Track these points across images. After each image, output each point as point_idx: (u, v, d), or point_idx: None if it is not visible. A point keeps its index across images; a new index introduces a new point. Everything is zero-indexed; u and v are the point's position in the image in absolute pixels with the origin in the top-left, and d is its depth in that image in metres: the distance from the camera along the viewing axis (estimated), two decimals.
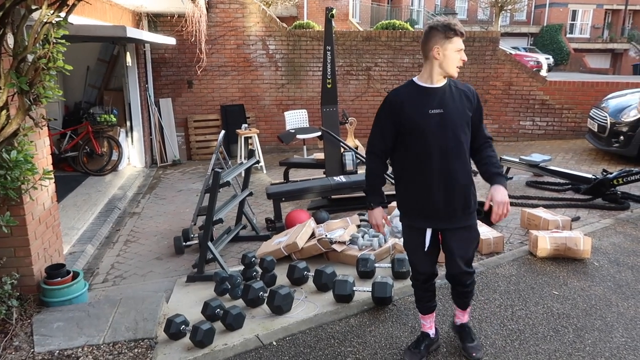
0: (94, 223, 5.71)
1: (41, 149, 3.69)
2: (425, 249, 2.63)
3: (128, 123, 8.30)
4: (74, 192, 6.85)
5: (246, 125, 8.40)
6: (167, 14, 8.39)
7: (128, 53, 6.88)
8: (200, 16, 7.89)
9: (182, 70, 9.09)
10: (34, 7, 2.58)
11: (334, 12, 5.61)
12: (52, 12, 2.54)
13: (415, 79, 2.56)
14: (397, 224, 4.51)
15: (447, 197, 2.51)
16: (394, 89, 2.58)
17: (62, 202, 6.33)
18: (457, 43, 2.43)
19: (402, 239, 4.28)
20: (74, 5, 2.86)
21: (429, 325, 2.87)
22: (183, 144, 9.31)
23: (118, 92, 8.46)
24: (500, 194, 2.47)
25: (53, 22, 2.59)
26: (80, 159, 7.67)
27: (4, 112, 2.72)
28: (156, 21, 8.61)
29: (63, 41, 2.75)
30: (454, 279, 2.73)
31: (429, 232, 2.60)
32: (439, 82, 2.50)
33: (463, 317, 2.92)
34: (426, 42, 2.47)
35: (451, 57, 2.43)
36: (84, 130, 7.78)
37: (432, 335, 2.88)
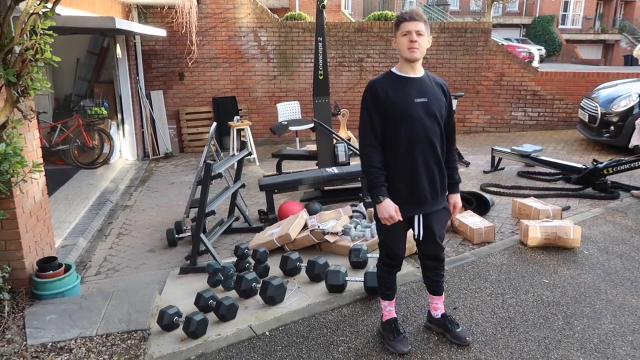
0: (85, 216, 5.69)
1: (31, 142, 3.66)
2: (416, 237, 2.71)
3: (119, 116, 8.25)
4: (65, 186, 6.81)
5: (238, 117, 8.37)
6: (157, 5, 8.32)
7: (118, 45, 6.82)
8: (191, 7, 7.82)
9: (173, 63, 9.03)
10: None
11: (325, 3, 5.58)
12: (38, 2, 2.50)
13: (393, 69, 2.63)
14: None
15: (431, 182, 2.64)
16: (374, 79, 2.63)
17: (54, 195, 6.30)
18: (404, 27, 2.49)
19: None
20: None
21: (395, 309, 2.98)
22: (175, 137, 9.27)
23: (108, 85, 8.39)
24: (459, 202, 2.83)
25: (40, 12, 2.56)
26: (72, 152, 7.62)
27: None
28: (146, 13, 8.54)
29: (51, 32, 2.72)
30: (433, 258, 2.84)
31: (418, 218, 2.68)
32: (416, 72, 2.59)
33: (442, 306, 2.98)
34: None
35: (401, 42, 2.52)
36: (74, 123, 7.72)
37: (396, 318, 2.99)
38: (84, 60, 8.61)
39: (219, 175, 4.20)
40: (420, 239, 2.73)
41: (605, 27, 31.89)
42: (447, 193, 2.79)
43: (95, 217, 5.65)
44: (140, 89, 8.69)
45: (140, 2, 7.94)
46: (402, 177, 2.62)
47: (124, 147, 8.39)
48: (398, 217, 2.55)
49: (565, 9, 32.53)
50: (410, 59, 2.51)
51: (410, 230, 2.77)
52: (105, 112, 7.92)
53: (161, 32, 7.41)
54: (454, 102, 7.23)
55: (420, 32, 2.49)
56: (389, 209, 2.55)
